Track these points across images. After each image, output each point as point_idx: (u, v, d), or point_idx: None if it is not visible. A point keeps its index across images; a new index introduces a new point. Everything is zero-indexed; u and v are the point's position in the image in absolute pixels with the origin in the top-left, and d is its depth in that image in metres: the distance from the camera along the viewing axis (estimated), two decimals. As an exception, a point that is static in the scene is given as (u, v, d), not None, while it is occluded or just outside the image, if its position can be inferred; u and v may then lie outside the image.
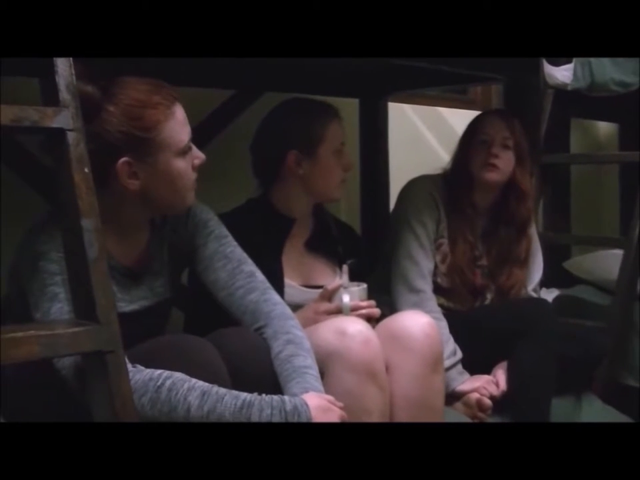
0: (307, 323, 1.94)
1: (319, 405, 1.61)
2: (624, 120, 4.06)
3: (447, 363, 2.28)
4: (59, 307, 1.54)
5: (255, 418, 1.53)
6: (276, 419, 1.54)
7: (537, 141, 3.09)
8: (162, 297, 1.85)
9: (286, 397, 1.60)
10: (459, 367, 2.37)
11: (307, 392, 1.65)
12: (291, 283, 2.16)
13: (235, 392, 1.56)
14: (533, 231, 2.71)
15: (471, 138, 2.60)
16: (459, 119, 2.83)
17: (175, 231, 1.87)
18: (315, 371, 1.73)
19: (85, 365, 1.41)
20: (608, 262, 3.34)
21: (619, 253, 3.16)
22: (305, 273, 2.23)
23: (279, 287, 2.00)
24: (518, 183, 2.58)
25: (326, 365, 1.82)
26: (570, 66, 3.22)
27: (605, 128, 4.56)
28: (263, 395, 1.57)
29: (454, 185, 2.59)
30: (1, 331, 1.28)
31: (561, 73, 3.31)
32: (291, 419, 1.55)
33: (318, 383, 1.71)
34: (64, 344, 1.33)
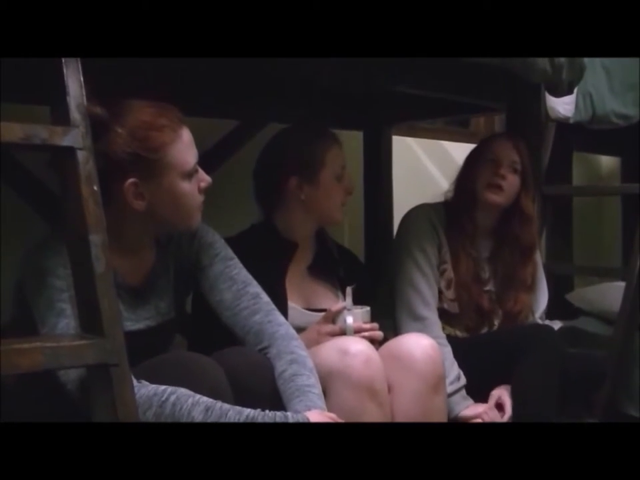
0: (310, 344, 1.96)
1: (321, 422, 1.62)
2: (626, 153, 4.10)
3: (451, 388, 2.30)
4: (66, 322, 1.56)
5: None
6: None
7: (538, 173, 3.11)
8: (167, 317, 1.87)
9: (289, 413, 1.62)
10: (463, 392, 2.37)
11: (309, 410, 1.67)
12: (293, 305, 2.18)
13: (238, 407, 1.58)
14: (538, 257, 2.72)
15: (479, 157, 2.60)
16: (462, 151, 2.86)
17: (180, 252, 1.89)
18: (318, 390, 1.75)
19: (90, 378, 1.43)
20: (610, 294, 3.35)
21: (621, 285, 3.17)
22: (308, 296, 2.25)
23: (283, 310, 2.02)
24: (522, 206, 2.59)
25: (328, 383, 1.84)
26: (571, 98, 3.27)
27: (607, 161, 4.59)
28: (267, 411, 1.59)
29: (456, 206, 2.60)
30: (7, 342, 1.30)
31: (563, 107, 3.36)
32: None
33: (321, 402, 1.73)
34: (69, 356, 1.35)
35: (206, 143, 2.77)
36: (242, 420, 1.55)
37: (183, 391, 1.55)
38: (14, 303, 1.76)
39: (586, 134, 3.47)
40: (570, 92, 2.76)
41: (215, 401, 1.56)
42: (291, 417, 1.60)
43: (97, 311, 1.39)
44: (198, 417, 1.53)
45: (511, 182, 2.56)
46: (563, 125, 3.44)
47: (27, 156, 2.40)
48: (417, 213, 2.60)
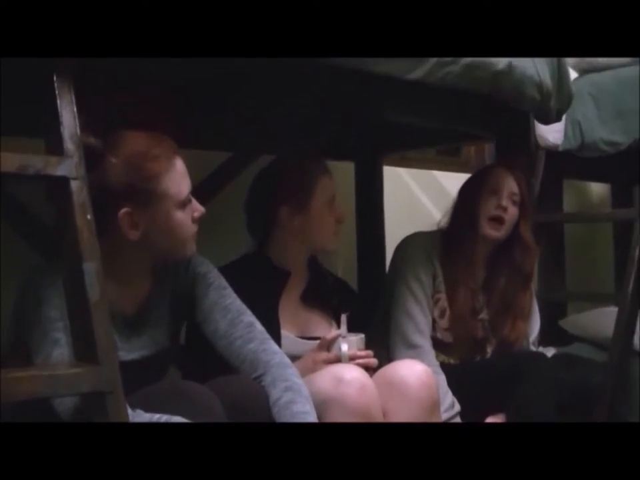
0: (305, 372, 1.97)
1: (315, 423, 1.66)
2: (616, 180, 4.12)
3: (445, 415, 2.29)
4: (60, 352, 1.57)
5: None
6: None
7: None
8: (162, 347, 1.88)
9: None
10: (458, 419, 2.36)
11: None
12: (287, 334, 2.18)
13: None
14: (532, 286, 2.73)
15: (478, 188, 2.59)
16: (453, 181, 2.87)
17: (175, 282, 1.90)
18: (313, 417, 1.76)
19: (85, 406, 1.43)
20: (604, 319, 3.36)
21: (614, 310, 3.19)
22: (301, 325, 2.26)
23: (276, 338, 2.02)
24: (522, 236, 2.60)
25: (323, 411, 1.84)
26: (560, 126, 3.30)
27: (597, 188, 4.62)
28: None
29: (454, 236, 2.60)
30: (4, 371, 1.31)
31: (552, 135, 3.40)
32: None
33: None
34: (64, 384, 1.36)
35: (199, 174, 2.78)
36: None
37: (177, 419, 1.55)
38: (11, 329, 1.75)
39: (576, 161, 3.50)
40: (558, 119, 2.78)
41: None
42: None
43: (92, 338, 1.40)
44: None
45: (512, 214, 2.56)
46: (552, 152, 3.47)
47: (22, 190, 2.41)
48: (412, 241, 2.61)
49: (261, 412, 1.75)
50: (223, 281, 1.93)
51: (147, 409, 1.58)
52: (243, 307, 1.91)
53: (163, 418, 1.55)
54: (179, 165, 1.75)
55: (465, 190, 2.67)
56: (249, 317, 1.90)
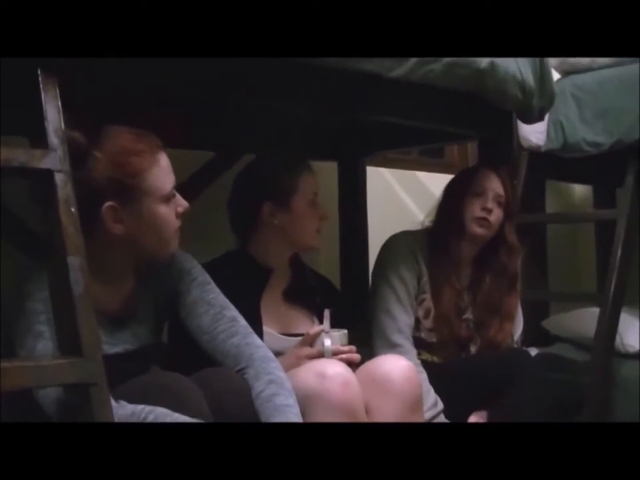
0: (288, 368, 1.97)
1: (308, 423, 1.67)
2: (598, 182, 4.15)
3: (429, 414, 2.30)
4: (44, 344, 1.57)
5: None
6: None
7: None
8: (145, 342, 1.88)
9: None
10: (441, 417, 2.38)
11: None
12: (269, 331, 2.19)
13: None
14: (519, 287, 2.74)
15: (464, 189, 2.60)
16: (436, 182, 2.88)
17: (159, 279, 1.91)
18: (296, 410, 1.76)
19: (69, 398, 1.44)
20: (586, 320, 3.39)
21: (596, 310, 3.21)
22: (283, 322, 2.27)
23: (258, 335, 2.01)
24: (507, 237, 2.61)
25: (306, 406, 1.84)
26: (543, 127, 3.32)
27: (579, 190, 4.64)
28: None
29: (439, 237, 2.61)
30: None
31: (535, 135, 3.41)
32: None
33: (299, 421, 1.74)
34: (48, 375, 1.36)
35: (183, 173, 2.78)
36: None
37: (161, 409, 1.56)
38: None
39: (558, 163, 3.52)
40: (541, 119, 2.80)
41: (193, 419, 1.57)
42: None
43: (76, 332, 1.40)
44: None
45: (497, 215, 2.58)
46: (535, 154, 3.49)
47: (6, 193, 2.41)
48: (397, 240, 2.61)
49: (244, 405, 1.76)
50: (206, 277, 1.94)
51: (131, 401, 1.58)
52: (227, 301, 1.91)
53: (146, 409, 1.55)
54: (163, 160, 1.76)
55: (449, 190, 2.68)
56: (232, 311, 1.90)
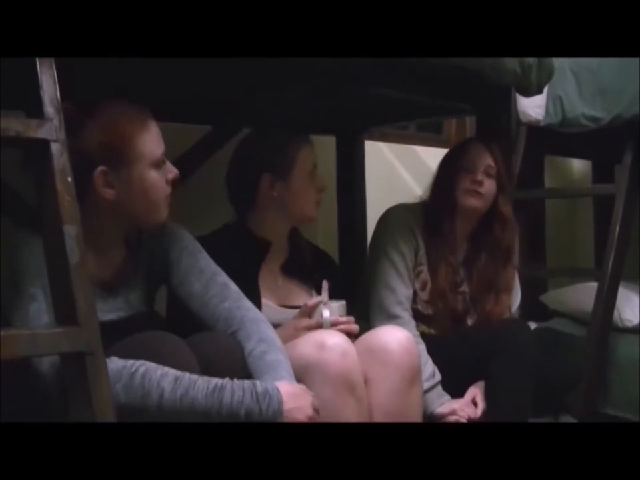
0: (287, 340, 1.98)
1: (290, 391, 1.67)
2: (597, 157, 4.14)
3: (426, 385, 2.31)
4: (37, 306, 1.58)
5: (227, 400, 1.59)
6: (247, 401, 1.60)
7: (510, 177, 3.15)
8: (138, 310, 1.90)
9: (257, 381, 1.66)
10: (439, 388, 2.39)
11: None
12: (267, 302, 2.20)
13: (206, 377, 1.61)
14: (516, 259, 2.74)
15: (454, 164, 2.62)
16: (434, 157, 2.88)
17: (150, 247, 1.92)
18: (287, 365, 1.79)
19: (65, 367, 1.44)
20: (584, 294, 3.39)
21: (594, 285, 3.21)
22: (282, 294, 2.27)
23: (256, 307, 2.02)
24: (501, 210, 2.61)
25: (304, 377, 1.85)
26: (542, 102, 3.31)
27: (578, 166, 4.64)
28: (235, 379, 1.63)
29: (435, 211, 2.61)
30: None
31: (534, 110, 3.40)
32: (262, 402, 1.61)
33: (290, 376, 1.76)
34: (45, 344, 1.36)
35: (179, 148, 2.78)
36: (211, 387, 1.59)
37: (150, 363, 1.59)
38: None
39: (557, 138, 3.51)
40: (539, 92, 2.78)
41: (183, 372, 1.59)
42: (259, 384, 1.64)
43: (72, 301, 1.40)
44: (167, 386, 1.56)
45: (488, 187, 2.58)
46: (534, 129, 3.48)
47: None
48: (394, 213, 2.62)
49: (236, 365, 1.77)
50: (197, 245, 1.95)
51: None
52: (218, 268, 1.93)
53: (137, 363, 1.58)
54: (153, 127, 1.79)
55: (442, 166, 2.69)
56: (224, 277, 1.92)
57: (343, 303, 2.14)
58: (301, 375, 1.83)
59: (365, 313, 2.49)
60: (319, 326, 2.07)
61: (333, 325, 2.07)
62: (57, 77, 1.45)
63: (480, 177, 2.57)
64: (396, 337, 2.07)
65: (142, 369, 1.57)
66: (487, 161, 2.59)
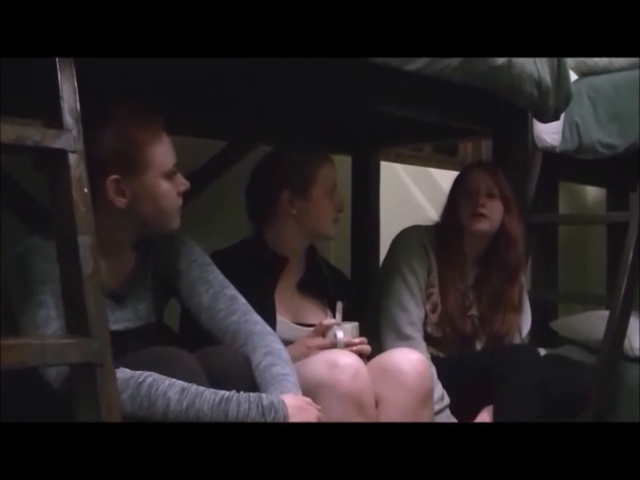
0: (299, 357, 1.98)
1: (296, 404, 1.66)
2: (611, 184, 4.13)
3: (435, 407, 2.29)
4: (45, 313, 1.59)
5: (232, 412, 1.58)
6: (253, 413, 1.59)
7: (525, 201, 3.14)
8: (146, 321, 1.90)
9: (263, 394, 1.65)
10: (447, 412, 2.37)
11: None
12: (282, 319, 2.19)
13: (213, 389, 1.61)
14: (523, 278, 2.74)
15: (457, 191, 2.65)
16: (449, 179, 2.89)
17: (159, 258, 1.93)
18: (293, 378, 1.78)
19: (74, 377, 1.43)
20: (595, 322, 3.37)
21: (605, 313, 3.19)
22: (296, 311, 2.27)
23: (271, 323, 2.01)
24: (506, 229, 2.62)
25: (315, 395, 1.83)
26: (558, 128, 3.31)
27: (592, 192, 4.63)
28: (241, 392, 1.62)
29: (444, 237, 2.62)
30: (-5, 339, 1.31)
31: (550, 136, 3.41)
32: (267, 415, 1.60)
33: (296, 388, 1.75)
34: (54, 354, 1.36)
35: (195, 162, 2.79)
36: (217, 400, 1.58)
37: (157, 375, 1.59)
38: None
39: (572, 164, 3.51)
40: (556, 118, 2.79)
41: (190, 384, 1.60)
42: (265, 397, 1.63)
43: (84, 311, 1.40)
44: (174, 396, 1.56)
45: (492, 208, 2.59)
46: (549, 154, 3.48)
47: (7, 160, 2.41)
48: (409, 234, 2.63)
49: (244, 380, 1.76)
50: (206, 258, 1.96)
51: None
52: (226, 281, 1.93)
53: (145, 373, 1.58)
54: (165, 138, 1.81)
55: (450, 192, 2.71)
56: (232, 290, 1.92)
57: (356, 324, 2.14)
58: (312, 393, 1.82)
59: (375, 333, 2.48)
60: (332, 346, 2.07)
61: (346, 345, 2.07)
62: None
63: (482, 199, 2.58)
64: (410, 359, 2.07)
65: (149, 380, 1.58)
66: (488, 182, 2.61)
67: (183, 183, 1.85)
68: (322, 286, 2.33)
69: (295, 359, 1.91)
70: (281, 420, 1.61)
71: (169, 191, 1.81)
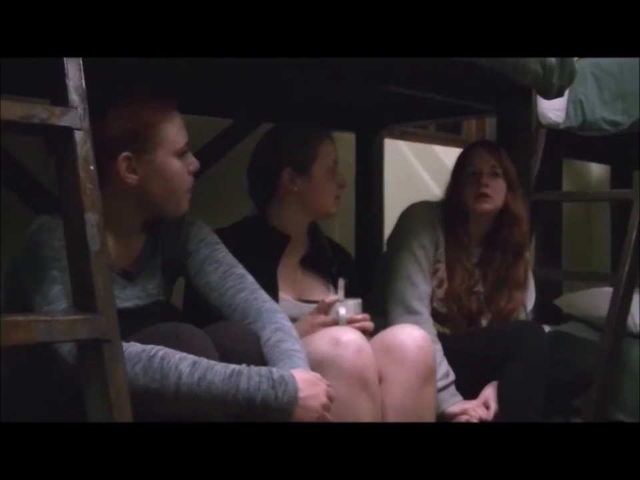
0: (302, 335, 1.97)
1: (306, 379, 1.68)
2: (615, 162, 4.13)
3: (440, 384, 2.30)
4: (59, 288, 1.60)
5: (243, 385, 1.59)
6: (264, 386, 1.61)
7: (528, 179, 3.15)
8: (155, 299, 1.91)
9: (273, 368, 1.67)
10: (452, 388, 2.39)
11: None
12: (285, 296, 2.20)
13: (224, 363, 1.63)
14: (528, 255, 2.75)
15: (461, 171, 2.65)
16: (453, 157, 2.89)
17: (168, 238, 1.94)
18: (302, 354, 1.79)
19: (82, 354, 1.45)
20: (599, 299, 3.38)
21: (609, 290, 3.21)
22: (299, 289, 2.28)
23: (274, 300, 2.03)
24: (510, 208, 2.62)
25: (319, 372, 1.83)
26: (562, 105, 3.31)
27: (596, 169, 4.63)
28: (252, 366, 1.64)
29: (450, 216, 2.63)
30: (2, 315, 1.32)
31: (553, 113, 3.40)
32: (278, 388, 1.62)
33: (305, 365, 1.76)
34: (62, 330, 1.36)
35: (200, 141, 2.79)
36: (228, 372, 1.60)
37: (168, 349, 1.60)
38: (4, 291, 1.79)
39: (576, 141, 3.51)
40: (560, 95, 2.78)
41: (201, 357, 1.61)
42: (275, 371, 1.65)
43: (91, 288, 1.40)
44: (185, 369, 1.57)
45: (496, 187, 2.60)
46: (553, 132, 3.48)
47: (15, 147, 2.43)
48: (418, 209, 2.63)
49: (253, 354, 1.77)
50: (215, 237, 1.97)
51: None
52: (235, 260, 1.95)
53: (156, 347, 1.60)
54: (177, 117, 1.82)
55: (453, 171, 2.71)
56: (241, 269, 1.94)
57: (359, 301, 2.14)
58: (316, 370, 1.82)
59: (379, 310, 2.49)
60: (335, 323, 2.07)
61: (349, 322, 2.07)
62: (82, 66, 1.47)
63: (485, 179, 2.59)
64: (412, 336, 2.07)
65: (161, 352, 1.59)
66: (490, 162, 2.61)
67: (193, 163, 1.86)
68: (325, 263, 2.34)
69: (300, 336, 1.91)
70: (292, 394, 1.63)
71: (180, 170, 1.82)
